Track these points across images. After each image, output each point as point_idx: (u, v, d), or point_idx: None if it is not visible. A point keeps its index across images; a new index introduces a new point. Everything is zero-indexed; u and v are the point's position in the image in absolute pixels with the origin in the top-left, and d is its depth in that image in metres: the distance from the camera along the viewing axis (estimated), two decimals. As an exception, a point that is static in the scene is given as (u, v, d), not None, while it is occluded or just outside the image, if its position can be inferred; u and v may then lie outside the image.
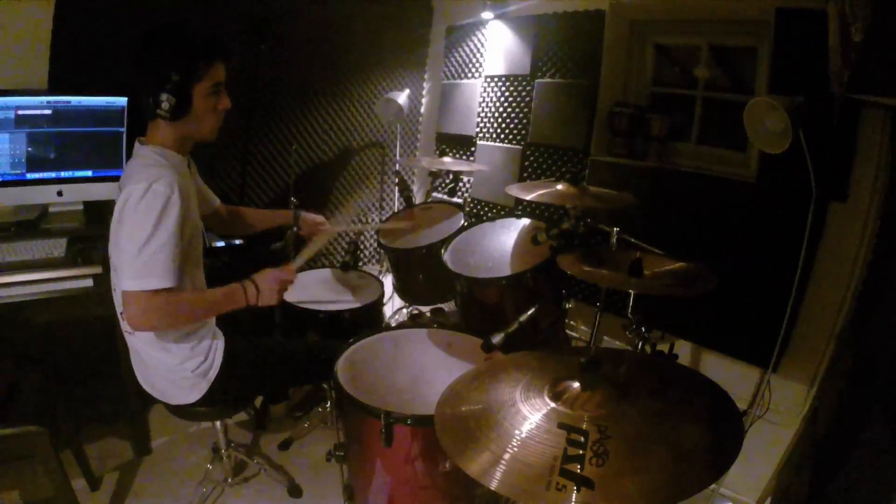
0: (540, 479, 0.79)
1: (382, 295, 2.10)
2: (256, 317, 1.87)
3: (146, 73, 1.31)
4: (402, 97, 2.84)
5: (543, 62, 2.68)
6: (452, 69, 3.21)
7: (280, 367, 1.64)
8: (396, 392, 1.40)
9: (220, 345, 1.47)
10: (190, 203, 1.38)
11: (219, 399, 1.51)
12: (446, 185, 2.72)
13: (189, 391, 1.46)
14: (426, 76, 3.38)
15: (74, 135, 1.99)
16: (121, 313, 1.43)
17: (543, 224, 1.90)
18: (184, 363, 1.42)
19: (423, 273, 2.20)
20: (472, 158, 3.10)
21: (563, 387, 0.96)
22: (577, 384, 0.95)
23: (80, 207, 2.07)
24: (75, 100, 1.96)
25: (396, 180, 2.65)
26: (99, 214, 2.11)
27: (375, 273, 2.29)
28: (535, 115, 2.72)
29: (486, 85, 2.99)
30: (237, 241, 2.26)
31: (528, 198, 1.80)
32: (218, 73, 1.36)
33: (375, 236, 2.54)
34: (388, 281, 2.33)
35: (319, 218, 1.99)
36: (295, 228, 1.95)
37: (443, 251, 2.01)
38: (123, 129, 2.05)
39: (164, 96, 1.28)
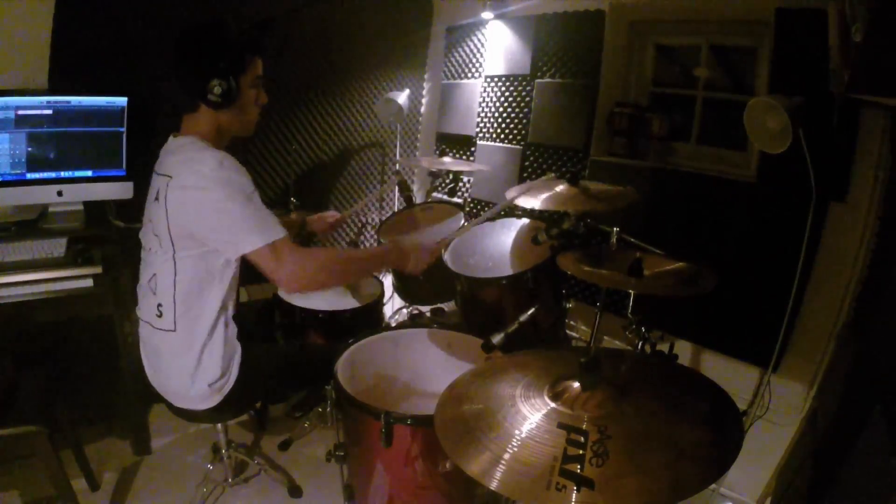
0: (540, 479, 0.78)
1: (382, 295, 2.10)
2: (258, 317, 1.88)
3: (192, 64, 1.33)
4: (402, 97, 2.84)
5: (543, 62, 2.68)
6: (452, 69, 3.21)
7: (288, 375, 1.64)
8: (396, 392, 1.40)
9: (237, 359, 1.46)
10: None
11: (227, 407, 1.51)
12: (446, 185, 2.72)
13: (203, 400, 1.45)
14: (426, 76, 3.38)
15: (74, 135, 1.99)
16: (140, 308, 1.44)
17: (543, 224, 1.89)
18: (204, 375, 1.40)
19: (422, 273, 2.20)
20: (472, 158, 3.10)
21: (563, 387, 0.96)
22: (577, 384, 0.95)
23: (80, 207, 2.07)
24: (75, 100, 1.96)
25: (396, 180, 2.65)
26: (99, 214, 2.11)
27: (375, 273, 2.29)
28: (535, 115, 2.72)
29: (486, 85, 2.99)
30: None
31: (530, 206, 1.79)
32: (258, 66, 1.42)
33: (375, 236, 2.54)
34: (388, 281, 2.33)
35: (326, 213, 2.00)
36: (303, 232, 1.96)
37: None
38: (123, 129, 2.06)
39: (215, 82, 1.31)
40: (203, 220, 1.28)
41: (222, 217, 1.25)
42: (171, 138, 1.41)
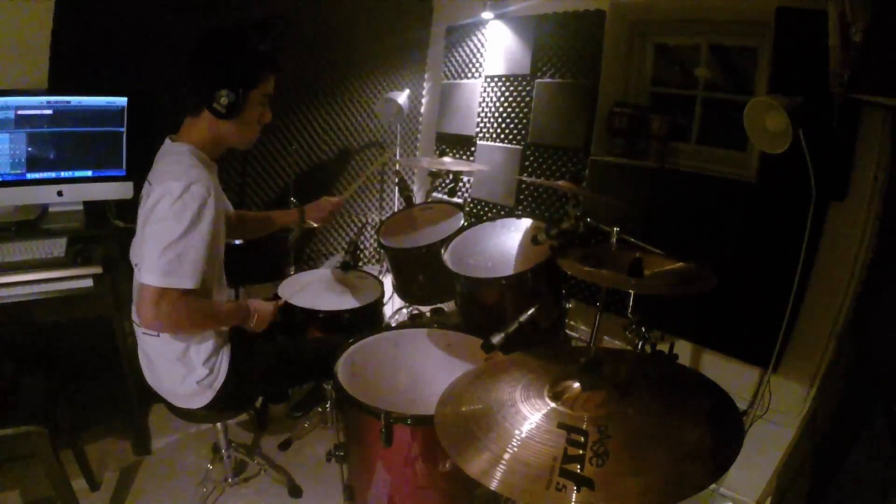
0: (540, 479, 0.79)
1: (382, 295, 2.10)
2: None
3: (205, 71, 1.32)
4: (402, 97, 2.84)
5: (543, 62, 2.68)
6: (452, 69, 3.21)
7: (283, 370, 1.64)
8: (396, 392, 1.40)
9: (226, 356, 1.47)
10: (221, 208, 1.38)
11: (222, 405, 1.51)
12: (446, 185, 2.72)
13: (194, 398, 1.46)
14: (426, 76, 3.38)
15: (74, 135, 1.99)
16: (133, 312, 1.43)
17: (543, 224, 1.89)
18: (192, 373, 1.42)
19: (423, 273, 2.20)
20: (472, 158, 3.10)
21: (563, 387, 0.96)
22: (577, 384, 0.95)
23: (80, 207, 2.07)
24: (75, 100, 1.96)
25: (396, 180, 2.66)
26: (99, 214, 2.11)
27: (375, 273, 2.29)
28: (535, 115, 2.72)
29: (486, 85, 2.99)
30: (237, 242, 2.26)
31: (531, 179, 1.79)
32: (271, 84, 1.40)
33: (375, 236, 2.55)
34: (388, 281, 2.33)
35: (321, 201, 1.98)
36: (303, 225, 1.96)
37: (443, 251, 2.00)
38: (123, 129, 2.06)
39: (224, 91, 1.30)
40: (143, 234, 1.28)
41: (150, 240, 1.25)
42: (167, 140, 1.40)
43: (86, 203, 2.08)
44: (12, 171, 1.90)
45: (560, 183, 1.89)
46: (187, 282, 1.25)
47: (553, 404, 0.93)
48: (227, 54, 1.33)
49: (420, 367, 1.51)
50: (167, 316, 1.26)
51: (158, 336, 1.40)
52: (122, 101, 2.03)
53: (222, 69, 1.31)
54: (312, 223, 1.97)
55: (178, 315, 1.27)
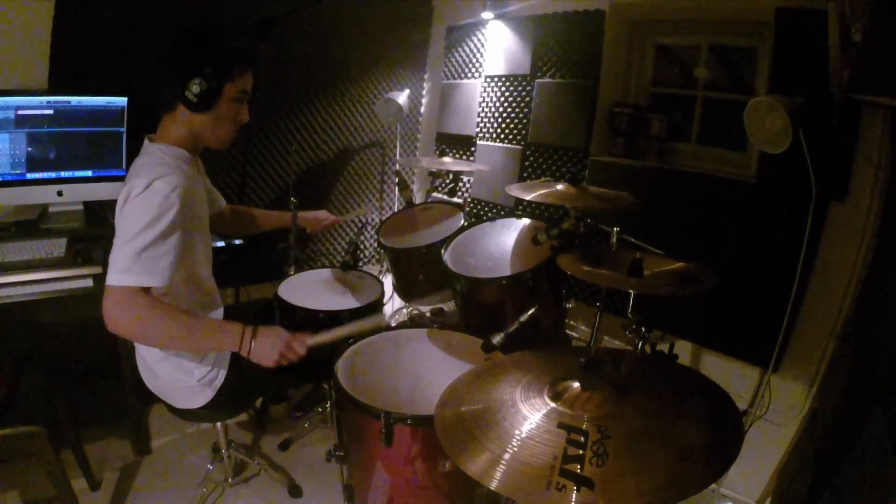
0: (540, 479, 0.79)
1: (382, 295, 2.10)
2: (258, 317, 1.87)
3: (178, 62, 1.29)
4: (402, 97, 2.84)
5: (543, 62, 2.68)
6: (452, 69, 3.21)
7: (284, 370, 1.64)
8: (396, 392, 1.40)
9: (227, 353, 1.46)
10: (196, 203, 1.36)
11: (223, 404, 1.51)
12: (446, 185, 2.72)
13: (194, 397, 1.46)
14: (426, 76, 3.38)
15: (74, 135, 1.99)
16: None
17: (543, 224, 1.89)
18: (190, 373, 1.42)
19: (423, 273, 2.20)
20: (472, 158, 3.10)
21: (563, 387, 0.96)
22: (577, 384, 0.95)
23: (80, 207, 2.07)
24: (75, 100, 1.96)
25: (396, 180, 2.66)
26: (99, 214, 2.11)
27: (375, 273, 2.28)
28: (535, 115, 2.72)
29: (486, 85, 2.99)
30: (237, 241, 2.26)
31: (529, 198, 1.79)
32: (248, 81, 1.36)
33: (375, 236, 2.55)
34: (388, 281, 2.32)
35: (321, 213, 1.99)
36: (294, 230, 1.96)
37: (443, 251, 2.00)
38: (123, 129, 2.06)
39: (196, 80, 1.26)
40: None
41: (116, 239, 1.22)
42: (145, 140, 1.38)
43: (86, 203, 2.08)
44: (12, 171, 1.90)
45: (558, 187, 1.89)
46: (149, 279, 1.18)
47: (553, 404, 0.93)
48: (202, 46, 1.29)
49: (420, 367, 1.51)
50: (128, 318, 1.18)
51: None
52: (122, 101, 2.03)
53: (195, 60, 1.28)
54: (305, 228, 1.97)
55: (139, 318, 1.18)
